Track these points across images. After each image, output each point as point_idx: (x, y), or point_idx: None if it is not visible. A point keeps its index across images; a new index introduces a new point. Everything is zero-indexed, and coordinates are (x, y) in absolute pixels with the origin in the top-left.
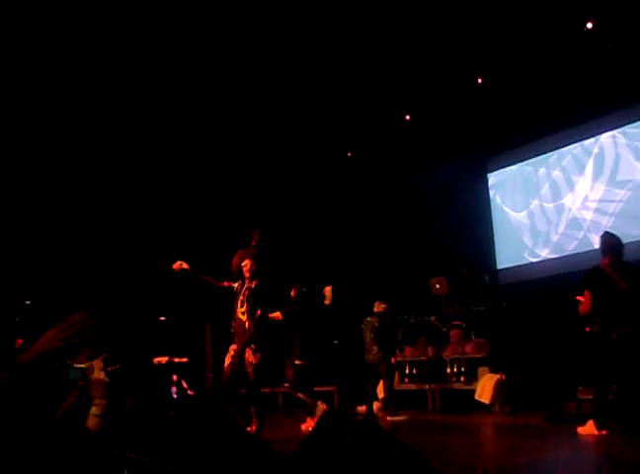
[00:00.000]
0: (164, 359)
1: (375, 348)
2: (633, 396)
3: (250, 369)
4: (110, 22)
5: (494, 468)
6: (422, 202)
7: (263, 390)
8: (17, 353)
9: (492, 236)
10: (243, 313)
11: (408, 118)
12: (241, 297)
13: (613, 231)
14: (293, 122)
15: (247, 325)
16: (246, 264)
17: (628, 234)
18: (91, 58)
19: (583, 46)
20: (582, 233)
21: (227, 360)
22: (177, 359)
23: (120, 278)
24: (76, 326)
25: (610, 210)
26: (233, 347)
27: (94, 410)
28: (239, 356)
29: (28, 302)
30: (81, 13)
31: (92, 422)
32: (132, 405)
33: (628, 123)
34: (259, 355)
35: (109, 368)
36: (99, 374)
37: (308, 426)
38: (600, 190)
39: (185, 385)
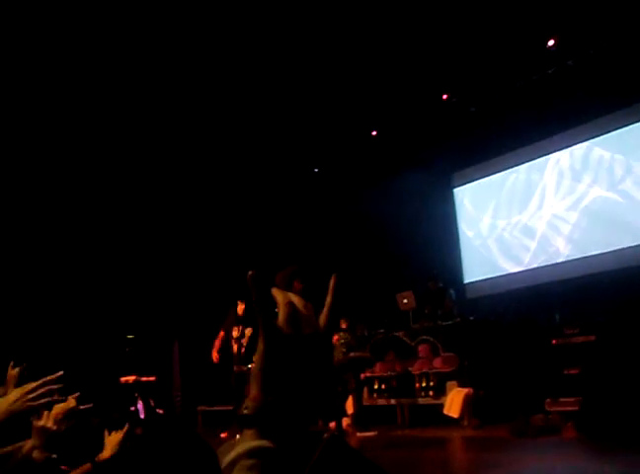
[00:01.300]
0: (131, 379)
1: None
2: (600, 405)
3: None
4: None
5: None
6: (389, 217)
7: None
8: None
9: (459, 250)
10: None
11: (374, 133)
12: None
13: (578, 245)
14: (261, 139)
15: None
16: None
17: (593, 245)
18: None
19: (545, 63)
20: (547, 247)
21: None
22: (144, 378)
23: (88, 296)
24: (43, 388)
25: (575, 223)
26: None
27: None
28: None
29: None
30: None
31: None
32: (100, 424)
33: (592, 138)
34: None
35: (81, 407)
36: (46, 421)
37: None
38: (564, 204)
39: (152, 404)
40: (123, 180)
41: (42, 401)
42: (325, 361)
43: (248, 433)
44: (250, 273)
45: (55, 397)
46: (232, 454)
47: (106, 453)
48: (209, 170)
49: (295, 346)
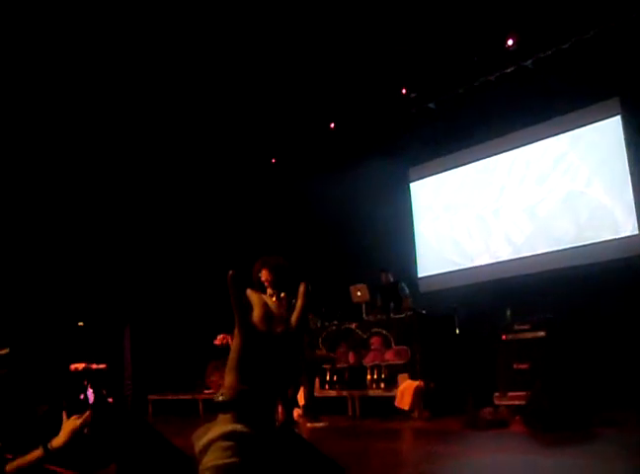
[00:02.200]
0: (81, 366)
1: None
2: (548, 400)
3: None
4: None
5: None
6: (344, 210)
7: (183, 397)
8: None
9: (413, 244)
10: None
11: (332, 125)
12: None
13: (530, 242)
14: (216, 130)
15: None
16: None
17: (545, 243)
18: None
19: (504, 61)
20: (500, 243)
21: None
22: (95, 366)
23: (37, 281)
24: None
25: (527, 221)
26: None
27: None
28: None
29: None
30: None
31: None
32: (47, 412)
33: (551, 136)
34: None
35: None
36: None
37: None
38: (519, 202)
39: (104, 392)
40: (74, 167)
41: None
42: (294, 357)
43: (224, 417)
44: (230, 273)
45: None
46: (209, 436)
47: (60, 439)
48: (158, 157)
49: (268, 342)
